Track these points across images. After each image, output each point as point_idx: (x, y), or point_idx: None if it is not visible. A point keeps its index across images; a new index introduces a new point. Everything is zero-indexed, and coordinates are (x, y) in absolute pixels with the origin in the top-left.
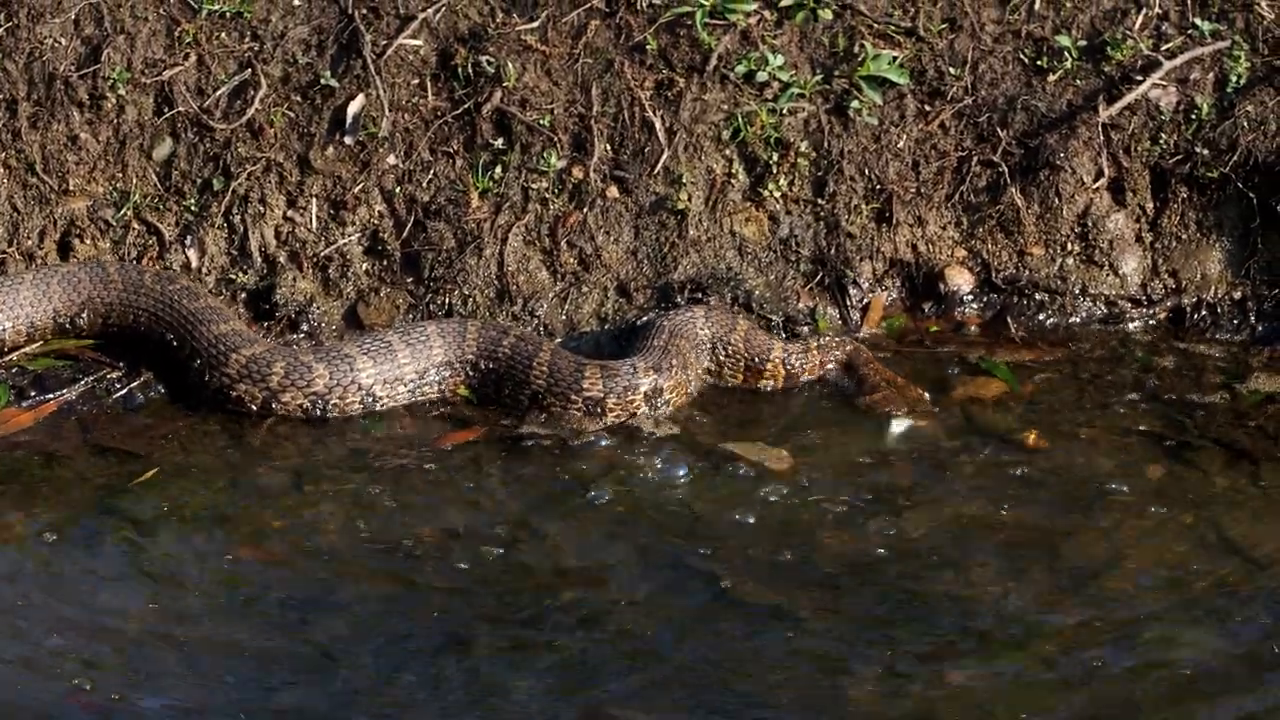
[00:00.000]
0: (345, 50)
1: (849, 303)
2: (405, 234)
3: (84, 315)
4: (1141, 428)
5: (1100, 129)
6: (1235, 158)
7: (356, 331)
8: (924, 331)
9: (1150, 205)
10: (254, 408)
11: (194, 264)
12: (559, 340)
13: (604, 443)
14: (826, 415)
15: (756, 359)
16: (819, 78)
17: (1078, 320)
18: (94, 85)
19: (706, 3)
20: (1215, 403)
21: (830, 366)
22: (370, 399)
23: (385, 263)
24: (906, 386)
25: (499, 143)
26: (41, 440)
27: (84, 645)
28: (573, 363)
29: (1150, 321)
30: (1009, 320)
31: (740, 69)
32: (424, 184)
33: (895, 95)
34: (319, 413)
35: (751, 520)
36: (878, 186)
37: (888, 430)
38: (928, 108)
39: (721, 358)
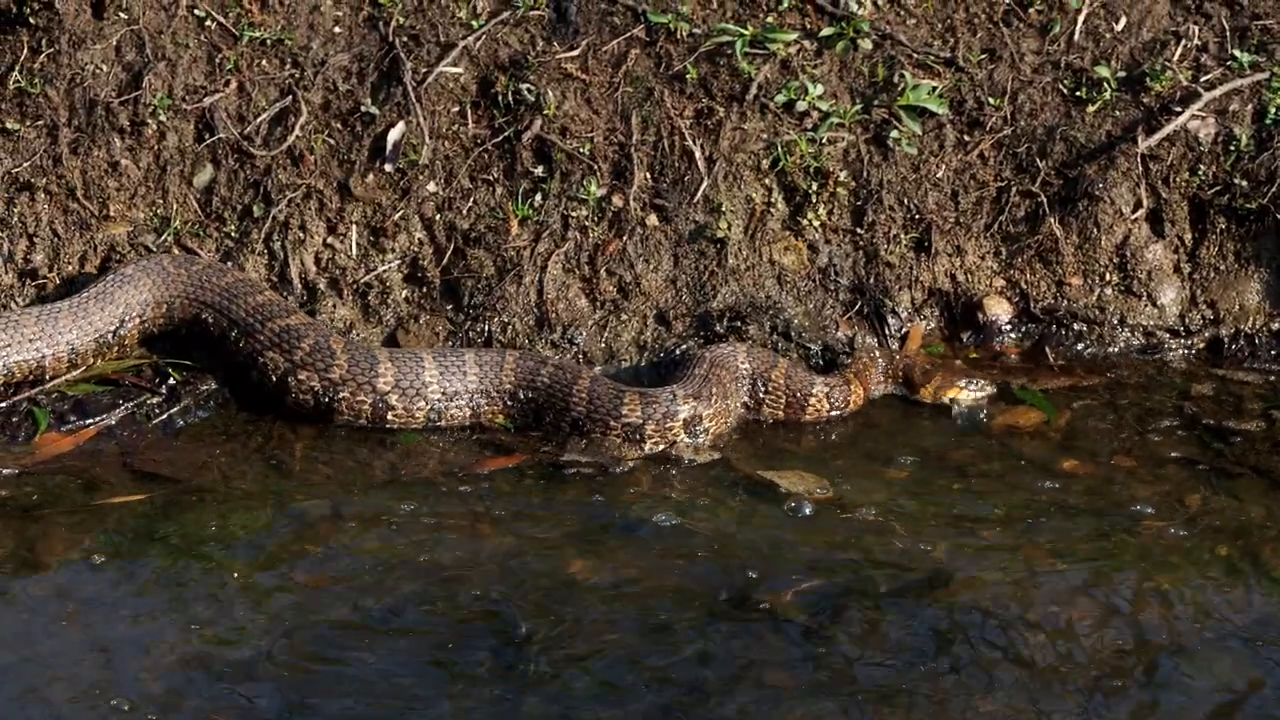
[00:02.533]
0: (386, 78)
1: (888, 332)
2: (445, 261)
3: (125, 327)
4: (1178, 455)
5: (1139, 160)
6: (1274, 189)
7: None
8: (963, 360)
9: (1189, 236)
10: (273, 379)
11: None
12: (599, 368)
13: (643, 470)
14: (863, 442)
15: (799, 394)
16: (858, 107)
17: (1116, 350)
18: (135, 111)
19: (747, 32)
20: (1252, 430)
21: (881, 384)
22: (383, 405)
23: (425, 290)
24: (954, 364)
25: (539, 170)
26: (82, 465)
27: (123, 669)
28: (612, 390)
29: (1188, 352)
30: (1047, 350)
31: (780, 98)
32: (464, 211)
33: (934, 125)
34: (327, 400)
35: (792, 546)
36: (917, 216)
37: (951, 412)
38: (967, 138)
39: (761, 394)
